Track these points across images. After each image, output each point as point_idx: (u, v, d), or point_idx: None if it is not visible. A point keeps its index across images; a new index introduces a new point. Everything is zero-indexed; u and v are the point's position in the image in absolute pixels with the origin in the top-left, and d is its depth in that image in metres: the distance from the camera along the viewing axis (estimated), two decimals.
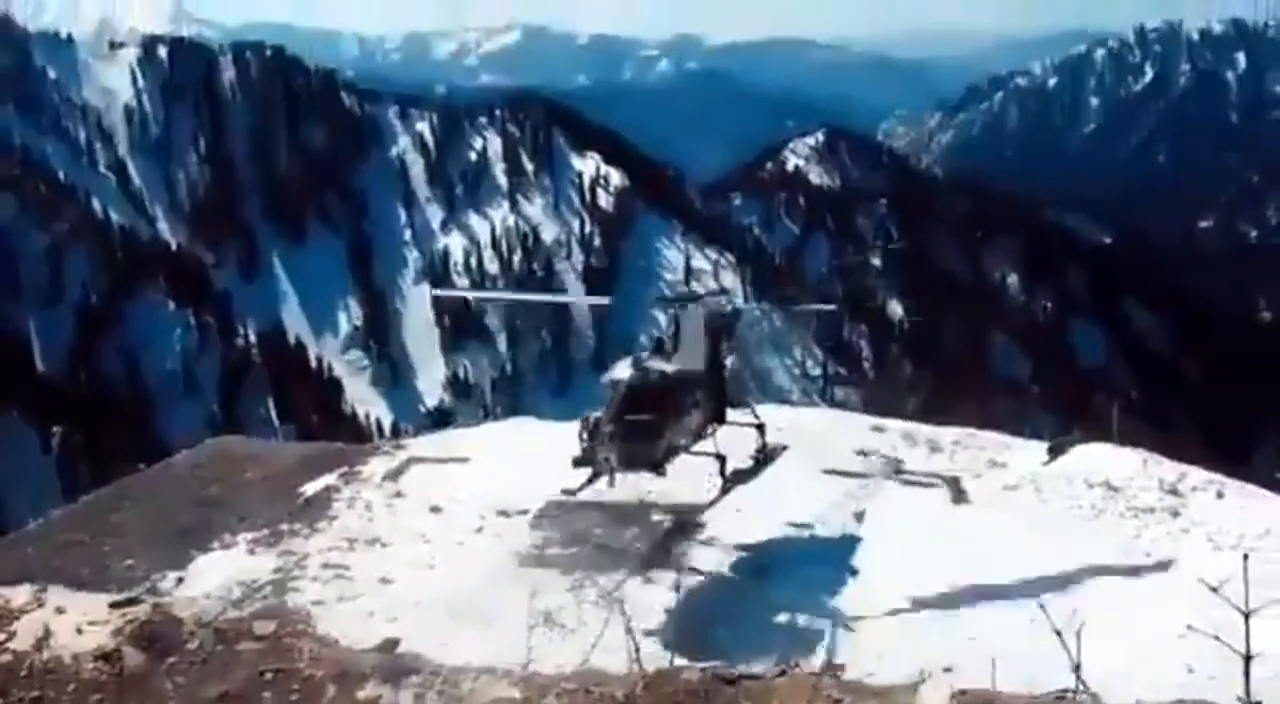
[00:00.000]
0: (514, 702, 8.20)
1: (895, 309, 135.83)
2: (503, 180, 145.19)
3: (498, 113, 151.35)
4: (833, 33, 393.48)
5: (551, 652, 9.92)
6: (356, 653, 9.41)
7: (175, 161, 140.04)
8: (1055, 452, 16.11)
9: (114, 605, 9.59)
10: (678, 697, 7.74)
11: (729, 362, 14.20)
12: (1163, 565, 12.45)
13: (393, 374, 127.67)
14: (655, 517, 14.06)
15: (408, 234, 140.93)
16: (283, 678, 8.75)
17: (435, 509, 14.52)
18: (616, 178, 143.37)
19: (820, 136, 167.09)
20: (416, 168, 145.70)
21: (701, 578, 12.49)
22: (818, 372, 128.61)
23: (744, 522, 13.68)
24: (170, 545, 13.38)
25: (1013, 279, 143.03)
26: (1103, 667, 8.42)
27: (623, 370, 12.60)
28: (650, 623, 10.68)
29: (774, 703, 7.60)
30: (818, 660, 10.08)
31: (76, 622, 9.23)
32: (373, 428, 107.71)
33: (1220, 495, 14.26)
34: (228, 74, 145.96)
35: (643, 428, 11.79)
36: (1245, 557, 5.20)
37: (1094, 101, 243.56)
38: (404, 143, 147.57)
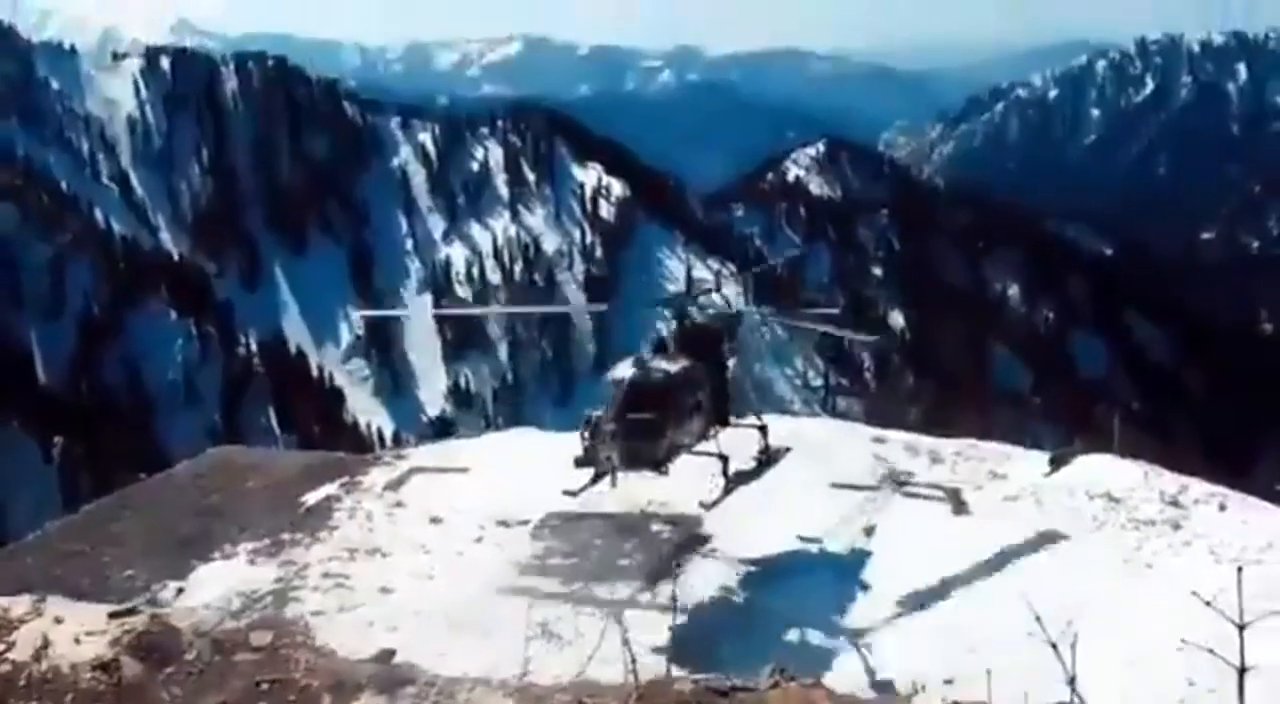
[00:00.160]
0: None
1: (897, 319, 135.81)
2: (504, 190, 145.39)
3: (499, 123, 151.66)
4: (833, 44, 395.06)
5: (549, 663, 9.91)
6: (352, 663, 9.41)
7: (177, 172, 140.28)
8: (1057, 463, 16.06)
9: (113, 615, 9.60)
10: None
11: (731, 363, 14.09)
12: (1164, 578, 12.40)
13: (394, 384, 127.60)
14: (655, 527, 14.02)
15: (409, 244, 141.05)
16: (279, 688, 8.75)
17: (436, 519, 14.51)
18: (618, 188, 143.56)
19: (821, 147, 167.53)
20: (418, 178, 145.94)
21: (706, 592, 12.43)
22: (819, 382, 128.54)
23: (750, 532, 13.64)
24: (171, 555, 13.37)
25: (1014, 290, 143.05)
26: (1104, 679, 8.41)
27: (624, 369, 12.47)
28: (652, 637, 10.64)
29: None
30: (825, 676, 10.02)
31: (75, 632, 9.23)
32: (374, 438, 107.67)
33: (1222, 508, 14.21)
34: (230, 84, 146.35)
35: (644, 426, 11.69)
36: (1240, 569, 5.19)
37: (1095, 113, 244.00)
38: (406, 153, 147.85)
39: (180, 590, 12.38)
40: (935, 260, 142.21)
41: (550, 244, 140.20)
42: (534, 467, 14.96)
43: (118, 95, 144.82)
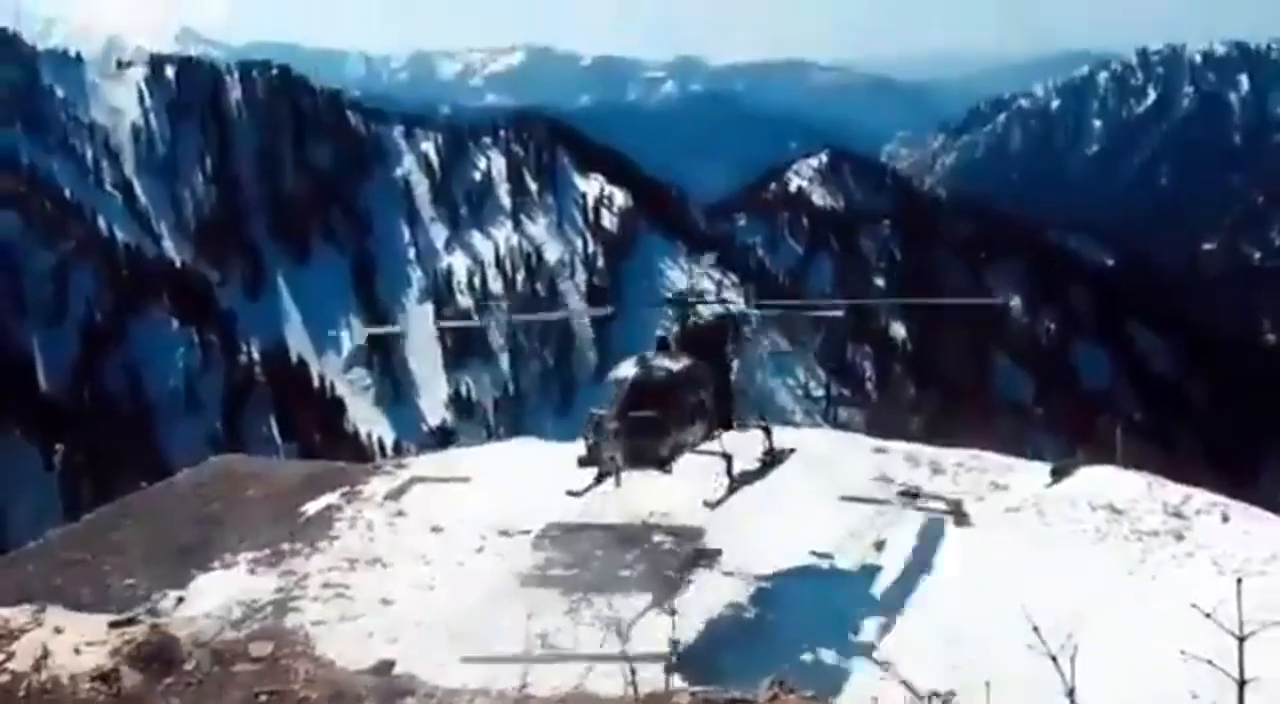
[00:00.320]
0: None
1: (899, 330, 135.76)
2: (507, 200, 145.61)
3: (502, 133, 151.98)
4: (834, 55, 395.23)
5: (548, 674, 9.89)
6: (352, 674, 9.39)
7: (181, 180, 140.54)
8: (1059, 474, 16.00)
9: (112, 626, 9.58)
10: None
11: (735, 364, 14.01)
12: (1167, 589, 12.35)
13: (395, 393, 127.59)
14: (657, 538, 13.98)
15: (411, 253, 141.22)
16: (278, 699, 8.73)
17: (436, 529, 14.47)
18: (620, 198, 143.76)
19: (824, 158, 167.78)
20: (421, 187, 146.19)
21: (707, 604, 12.38)
22: (820, 393, 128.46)
23: (753, 543, 13.59)
24: (171, 564, 13.36)
25: (1016, 301, 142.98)
26: (1108, 690, 8.36)
27: (628, 368, 12.35)
28: (652, 649, 10.60)
29: None
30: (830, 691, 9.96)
31: (75, 642, 9.22)
32: (375, 447, 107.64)
33: (1225, 518, 14.15)
34: (234, 93, 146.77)
35: (648, 424, 11.59)
36: (1239, 581, 5.16)
37: (1097, 123, 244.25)
38: (409, 162, 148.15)
39: (180, 600, 12.37)
40: (937, 271, 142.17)
41: (552, 253, 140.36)
42: (535, 476, 14.92)
43: (122, 103, 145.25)
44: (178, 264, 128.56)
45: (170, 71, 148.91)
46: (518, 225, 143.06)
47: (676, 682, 9.44)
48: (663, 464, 11.92)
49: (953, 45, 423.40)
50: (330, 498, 15.53)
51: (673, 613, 9.90)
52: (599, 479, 12.21)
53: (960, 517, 14.86)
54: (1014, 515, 14.87)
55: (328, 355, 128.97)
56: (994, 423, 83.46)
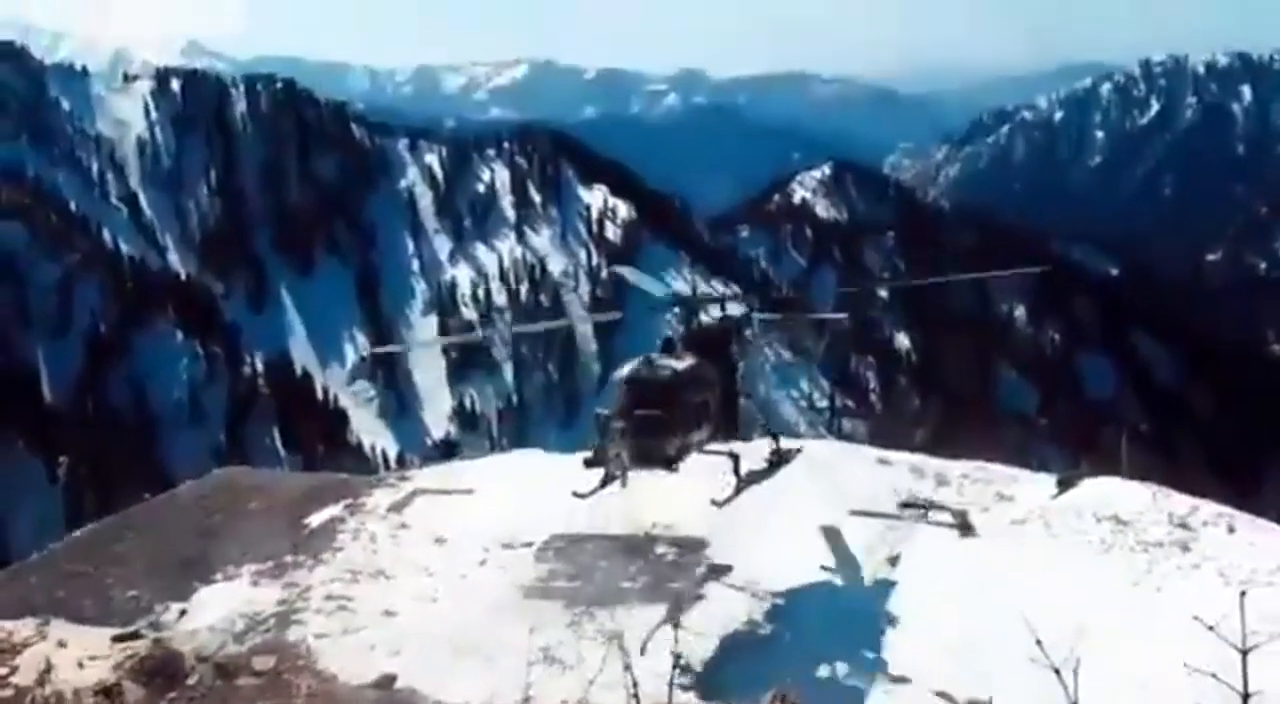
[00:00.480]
0: None
1: (902, 341, 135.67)
2: (510, 212, 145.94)
3: (506, 145, 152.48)
4: (837, 67, 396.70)
5: (551, 688, 9.84)
6: (353, 689, 9.35)
7: (186, 193, 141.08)
8: (1064, 485, 15.95)
9: (116, 639, 9.56)
10: None
11: (740, 366, 13.90)
12: (1173, 600, 12.29)
13: (398, 405, 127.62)
14: (660, 549, 13.93)
15: (416, 265, 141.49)
16: None
17: (440, 541, 14.45)
18: (624, 210, 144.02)
19: (827, 170, 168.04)
20: (425, 200, 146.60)
21: (709, 616, 12.31)
22: (824, 404, 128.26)
23: (756, 555, 13.53)
24: (174, 576, 13.34)
25: (1020, 311, 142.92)
26: (1114, 702, 8.32)
27: (633, 368, 12.22)
28: (655, 662, 10.53)
29: None
30: None
31: (78, 656, 9.20)
32: (378, 459, 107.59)
33: (1231, 530, 14.08)
34: (239, 106, 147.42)
35: (654, 423, 11.50)
36: (1243, 594, 5.13)
37: (1100, 135, 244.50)
38: (413, 175, 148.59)
39: (183, 612, 12.34)
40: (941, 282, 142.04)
41: (556, 265, 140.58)
42: (538, 488, 14.89)
43: (128, 116, 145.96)
44: (182, 276, 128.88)
45: (176, 85, 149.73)
46: (521, 237, 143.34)
47: (680, 696, 9.39)
48: (669, 463, 11.82)
49: (955, 57, 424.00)
50: (333, 510, 15.51)
51: (676, 626, 9.83)
52: (605, 482, 12.17)
53: (966, 528, 14.80)
54: (1019, 527, 14.82)
55: (332, 367, 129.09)
56: (998, 434, 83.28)
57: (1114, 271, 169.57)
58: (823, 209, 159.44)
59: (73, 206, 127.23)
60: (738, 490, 12.76)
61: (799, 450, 14.39)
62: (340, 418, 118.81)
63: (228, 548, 14.23)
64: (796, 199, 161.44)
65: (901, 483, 16.41)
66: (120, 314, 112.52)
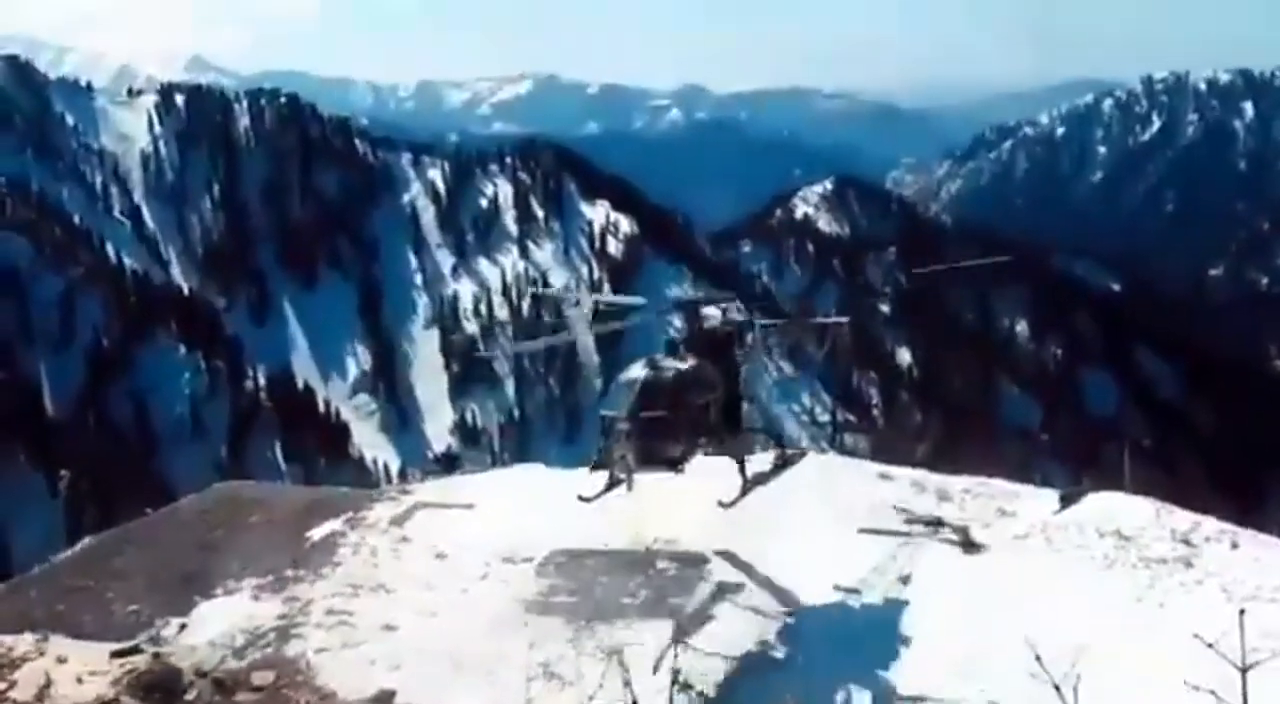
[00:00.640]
0: None
1: (904, 356, 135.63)
2: (513, 227, 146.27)
3: (509, 160, 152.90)
4: (838, 83, 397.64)
5: (551, 703, 9.80)
6: None
7: (189, 207, 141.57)
8: (1066, 501, 15.90)
9: (115, 654, 9.53)
10: None
11: (743, 369, 13.86)
12: (1176, 617, 12.23)
13: (400, 419, 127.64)
14: (661, 564, 13.88)
15: (418, 279, 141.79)
16: None
17: (441, 555, 14.41)
18: (626, 225, 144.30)
19: (829, 185, 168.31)
20: (428, 214, 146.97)
21: (710, 632, 12.25)
22: (826, 418, 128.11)
23: (756, 568, 13.49)
24: (174, 591, 13.30)
25: (1021, 327, 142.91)
26: None
27: (637, 370, 12.17)
28: (655, 679, 10.48)
29: None
30: None
31: (77, 671, 9.17)
32: (380, 473, 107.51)
33: (1234, 546, 14.03)
34: (243, 121, 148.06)
35: (659, 425, 11.49)
36: (1242, 612, 5.11)
37: (1102, 151, 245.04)
38: (416, 189, 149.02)
39: (183, 626, 12.30)
40: (943, 297, 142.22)
41: (558, 279, 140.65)
42: (540, 503, 14.88)
43: (132, 131, 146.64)
44: (185, 290, 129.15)
45: (180, 99, 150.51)
46: (524, 252, 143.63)
47: None
48: (674, 465, 11.81)
49: (957, 73, 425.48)
50: (334, 524, 15.48)
51: (677, 642, 9.79)
52: (610, 486, 12.14)
53: (969, 544, 14.75)
54: (1022, 542, 14.76)
55: (334, 381, 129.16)
56: (1001, 449, 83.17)
57: (1116, 287, 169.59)
58: (825, 224, 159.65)
59: (76, 220, 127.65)
60: (744, 492, 12.77)
61: (803, 453, 14.40)
62: (342, 431, 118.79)
63: (228, 562, 14.20)
64: (799, 214, 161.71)
65: (903, 498, 16.35)
66: (123, 327, 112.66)
